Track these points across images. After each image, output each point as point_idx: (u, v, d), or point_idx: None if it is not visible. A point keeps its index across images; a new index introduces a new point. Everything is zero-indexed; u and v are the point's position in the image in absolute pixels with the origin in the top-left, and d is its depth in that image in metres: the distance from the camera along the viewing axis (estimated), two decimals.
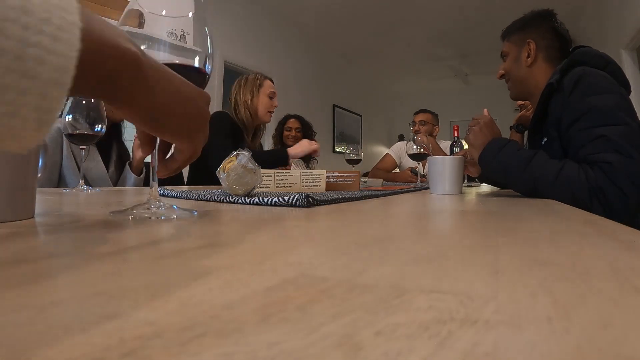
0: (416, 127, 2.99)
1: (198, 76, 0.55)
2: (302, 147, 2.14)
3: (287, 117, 3.20)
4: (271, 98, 2.20)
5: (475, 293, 0.19)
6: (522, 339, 0.13)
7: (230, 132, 2.09)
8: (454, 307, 0.17)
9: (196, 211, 0.55)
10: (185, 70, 0.55)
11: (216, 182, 1.69)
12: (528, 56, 1.29)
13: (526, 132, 2.13)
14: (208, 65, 0.57)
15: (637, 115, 1.03)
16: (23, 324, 0.14)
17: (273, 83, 2.27)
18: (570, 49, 1.27)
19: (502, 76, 1.40)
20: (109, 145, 1.74)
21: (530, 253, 0.29)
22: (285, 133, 3.13)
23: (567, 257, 0.28)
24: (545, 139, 1.19)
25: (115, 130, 1.76)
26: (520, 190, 1.06)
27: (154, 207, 0.51)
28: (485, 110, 1.30)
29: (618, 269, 0.25)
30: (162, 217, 0.48)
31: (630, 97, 1.09)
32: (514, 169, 1.02)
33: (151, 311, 0.16)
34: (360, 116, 7.98)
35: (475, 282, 0.20)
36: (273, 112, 2.24)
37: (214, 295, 0.18)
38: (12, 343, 0.13)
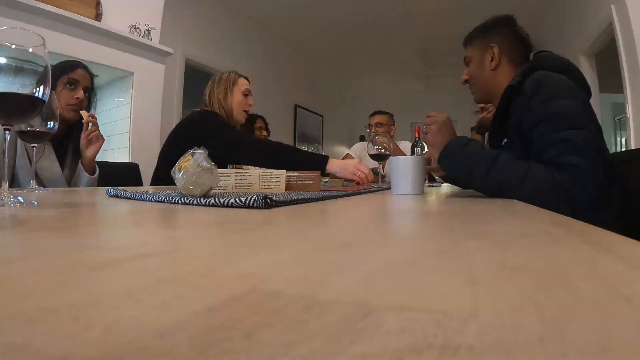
0: (373, 130, 3.02)
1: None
2: (347, 170, 1.77)
3: (255, 117, 3.18)
4: (245, 96, 2.14)
5: (452, 309, 0.16)
6: None
7: None
8: (430, 329, 0.14)
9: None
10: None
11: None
12: (492, 60, 1.31)
13: (487, 133, 2.16)
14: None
15: (596, 119, 1.05)
16: None
17: (249, 82, 2.20)
18: (532, 53, 1.28)
19: (465, 81, 1.41)
20: (65, 144, 1.67)
21: (504, 258, 0.27)
22: (257, 133, 3.13)
23: (543, 261, 0.26)
24: (506, 140, 1.21)
25: (71, 129, 1.68)
26: (483, 191, 1.06)
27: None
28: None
29: (600, 274, 0.23)
30: None
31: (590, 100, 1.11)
32: (478, 169, 1.01)
33: (69, 340, 0.13)
34: (322, 116, 7.99)
35: (451, 296, 0.18)
36: (248, 110, 2.17)
37: (147, 318, 0.15)
38: None
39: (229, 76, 2.13)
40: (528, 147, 1.09)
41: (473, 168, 1.03)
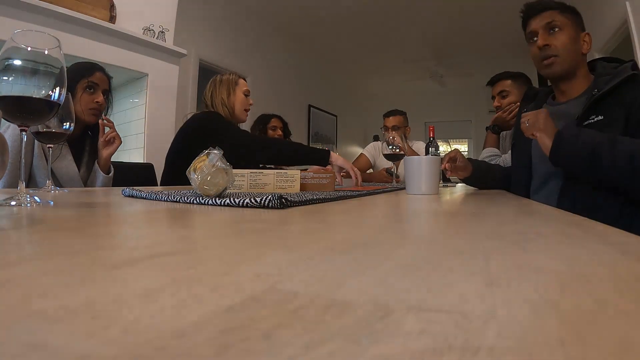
0: (389, 135, 2.98)
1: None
2: (346, 162, 1.93)
3: (270, 116, 3.18)
4: (246, 96, 2.19)
5: (471, 310, 0.16)
6: None
7: None
8: (450, 330, 0.14)
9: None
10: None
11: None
12: (585, 45, 1.29)
13: (502, 133, 2.14)
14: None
15: None
16: None
17: (246, 82, 2.25)
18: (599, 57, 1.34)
19: (546, 45, 1.29)
20: (82, 144, 1.68)
21: (522, 258, 0.27)
22: (271, 132, 3.12)
23: (561, 262, 0.26)
24: (601, 117, 1.18)
25: (88, 129, 1.70)
26: (611, 170, 1.02)
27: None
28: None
29: (620, 276, 0.23)
30: None
31: None
32: (604, 146, 1.01)
33: (87, 339, 0.13)
34: (336, 116, 7.98)
35: (469, 296, 0.18)
36: (249, 110, 2.22)
37: (165, 319, 0.15)
38: None
39: (229, 77, 2.18)
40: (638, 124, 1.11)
41: (597, 146, 1.02)
